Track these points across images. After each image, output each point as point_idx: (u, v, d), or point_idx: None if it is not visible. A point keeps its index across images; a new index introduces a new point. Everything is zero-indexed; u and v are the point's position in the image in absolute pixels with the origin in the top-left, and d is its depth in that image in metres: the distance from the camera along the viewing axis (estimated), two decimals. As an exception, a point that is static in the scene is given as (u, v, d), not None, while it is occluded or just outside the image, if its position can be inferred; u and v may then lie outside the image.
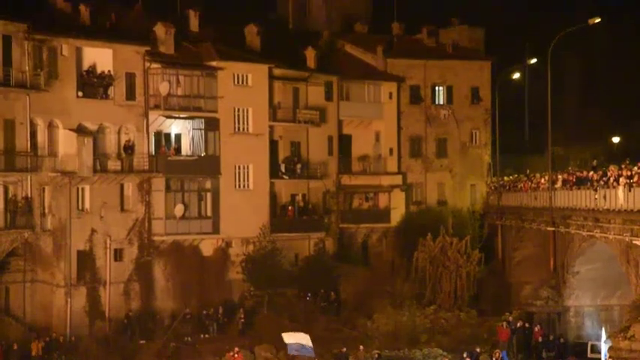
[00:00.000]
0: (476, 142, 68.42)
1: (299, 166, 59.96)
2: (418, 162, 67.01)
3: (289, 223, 58.69)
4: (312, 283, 55.91)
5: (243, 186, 56.89)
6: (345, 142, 64.34)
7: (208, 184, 55.80)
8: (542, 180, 56.25)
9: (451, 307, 55.43)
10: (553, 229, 52.64)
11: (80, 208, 51.08)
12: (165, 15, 57.25)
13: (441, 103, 67.80)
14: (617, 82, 71.75)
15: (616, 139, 71.10)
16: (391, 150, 65.95)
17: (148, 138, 53.78)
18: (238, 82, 56.65)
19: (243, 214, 55.70)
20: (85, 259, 50.94)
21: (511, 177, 63.82)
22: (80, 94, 51.20)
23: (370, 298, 55.88)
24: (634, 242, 40.91)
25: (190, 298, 53.69)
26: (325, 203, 62.28)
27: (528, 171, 61.93)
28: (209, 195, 55.70)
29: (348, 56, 67.97)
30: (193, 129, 55.73)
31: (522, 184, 59.84)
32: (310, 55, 62.02)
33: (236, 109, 56.60)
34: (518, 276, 57.74)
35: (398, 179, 65.66)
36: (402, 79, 66.40)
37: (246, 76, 56.92)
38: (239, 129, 56.75)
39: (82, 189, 51.09)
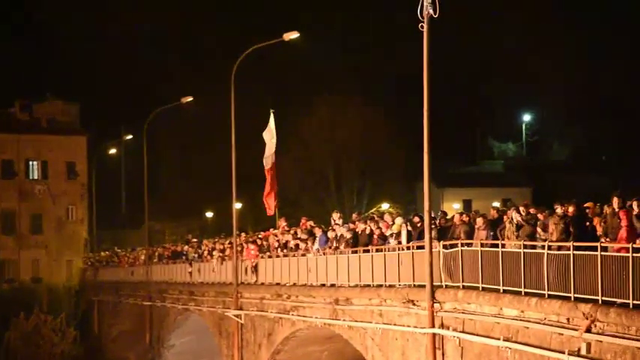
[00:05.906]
0: (72, 217, 67.75)
1: None
2: (11, 238, 64.88)
3: None
4: None
5: None
6: None
7: None
8: (140, 255, 56.52)
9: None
10: (150, 303, 52.86)
11: None
12: None
13: (36, 178, 66.54)
14: (207, 158, 73.72)
15: (209, 214, 73.33)
16: (-20, 226, 63.31)
17: None
18: None
19: None
20: None
21: (108, 252, 63.57)
22: None
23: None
24: (225, 314, 42.06)
25: None
26: None
27: (116, 248, 62.20)
28: None
29: None
30: None
31: (119, 259, 59.76)
32: None
33: None
34: (116, 352, 57.24)
35: (-12, 256, 63.12)
36: (-6, 153, 64.30)
37: None
38: None
39: None
